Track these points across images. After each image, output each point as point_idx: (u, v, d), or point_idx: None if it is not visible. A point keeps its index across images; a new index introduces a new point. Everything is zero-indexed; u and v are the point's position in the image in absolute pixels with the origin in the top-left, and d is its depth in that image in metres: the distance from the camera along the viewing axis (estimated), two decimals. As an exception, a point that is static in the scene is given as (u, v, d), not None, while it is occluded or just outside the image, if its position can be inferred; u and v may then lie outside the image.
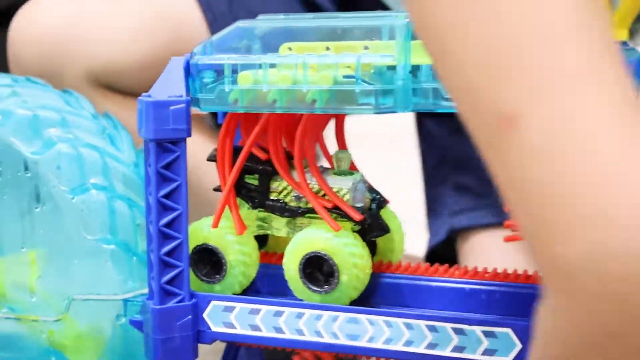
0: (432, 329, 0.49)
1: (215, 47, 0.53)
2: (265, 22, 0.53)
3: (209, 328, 0.53)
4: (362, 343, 0.50)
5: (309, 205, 0.53)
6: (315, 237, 0.52)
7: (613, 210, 0.31)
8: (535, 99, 0.32)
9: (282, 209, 0.54)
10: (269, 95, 0.50)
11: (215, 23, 0.82)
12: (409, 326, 0.49)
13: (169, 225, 0.52)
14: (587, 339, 0.33)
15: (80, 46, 0.79)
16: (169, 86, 0.52)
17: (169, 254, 0.52)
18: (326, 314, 0.51)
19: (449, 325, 0.48)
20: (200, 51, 0.53)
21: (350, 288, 0.51)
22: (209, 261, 0.55)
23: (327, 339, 0.51)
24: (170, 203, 0.52)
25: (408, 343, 0.49)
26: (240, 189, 0.55)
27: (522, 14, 0.32)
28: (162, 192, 0.51)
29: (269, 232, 0.55)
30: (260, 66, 0.50)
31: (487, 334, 0.48)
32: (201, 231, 0.54)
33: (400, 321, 0.49)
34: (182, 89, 0.52)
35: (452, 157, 0.92)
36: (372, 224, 0.53)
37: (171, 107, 0.51)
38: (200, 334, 0.53)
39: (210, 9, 0.82)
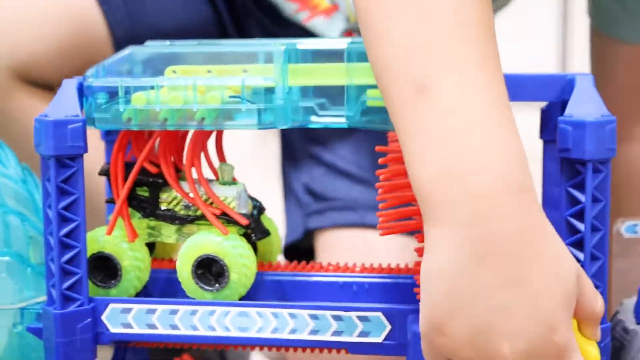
0: (313, 317, 0.55)
1: (107, 70, 0.57)
2: (153, 48, 0.58)
3: (107, 329, 0.57)
4: (251, 334, 0.56)
5: (198, 213, 0.59)
6: (206, 241, 0.57)
7: (481, 160, 0.43)
8: (445, 74, 0.43)
9: (172, 217, 0.59)
10: (160, 114, 0.55)
11: (116, 25, 0.85)
12: (292, 316, 0.56)
13: (68, 235, 0.56)
14: (458, 264, 0.43)
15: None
16: (64, 106, 0.56)
17: (68, 262, 0.56)
18: (219, 310, 0.56)
19: (328, 313, 0.55)
20: (93, 74, 0.57)
21: (240, 286, 0.57)
22: (104, 268, 0.59)
23: (219, 333, 0.56)
24: (69, 215, 0.56)
25: (293, 331, 0.56)
26: (132, 200, 0.59)
27: (443, 12, 0.44)
28: (62, 205, 0.55)
29: (158, 239, 0.60)
30: (152, 87, 0.56)
31: (361, 319, 0.55)
32: (97, 240, 0.58)
33: (285, 312, 0.56)
34: (77, 109, 0.56)
35: (304, 162, 1.00)
36: (255, 228, 0.59)
37: (69, 126, 0.55)
38: (99, 335, 0.57)
39: (111, 11, 0.85)
